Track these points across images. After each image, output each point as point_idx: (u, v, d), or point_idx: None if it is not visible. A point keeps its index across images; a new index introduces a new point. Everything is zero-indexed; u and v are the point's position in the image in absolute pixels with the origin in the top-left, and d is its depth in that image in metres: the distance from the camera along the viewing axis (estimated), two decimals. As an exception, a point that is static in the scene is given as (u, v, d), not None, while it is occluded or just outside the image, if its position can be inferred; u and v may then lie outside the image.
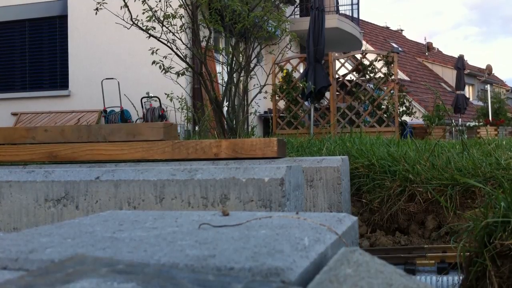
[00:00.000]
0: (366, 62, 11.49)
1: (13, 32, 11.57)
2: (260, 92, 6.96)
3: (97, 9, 6.28)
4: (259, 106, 8.50)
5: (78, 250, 0.99)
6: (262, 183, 2.01)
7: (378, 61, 11.29)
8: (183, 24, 6.62)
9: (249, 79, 7.21)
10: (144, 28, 6.31)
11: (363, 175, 4.33)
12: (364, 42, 21.28)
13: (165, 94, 7.20)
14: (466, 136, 10.12)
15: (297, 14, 14.92)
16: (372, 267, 0.83)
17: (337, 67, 11.50)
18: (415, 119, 17.31)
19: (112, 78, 10.06)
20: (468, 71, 28.65)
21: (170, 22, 6.41)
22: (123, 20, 6.22)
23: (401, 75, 24.71)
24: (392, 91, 10.97)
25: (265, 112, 12.67)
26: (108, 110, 10.13)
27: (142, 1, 6.29)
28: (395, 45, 30.77)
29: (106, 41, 10.35)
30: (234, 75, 6.91)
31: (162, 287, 0.70)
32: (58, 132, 3.63)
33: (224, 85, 6.98)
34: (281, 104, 11.69)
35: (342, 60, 11.85)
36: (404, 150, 4.56)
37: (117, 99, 10.04)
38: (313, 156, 4.61)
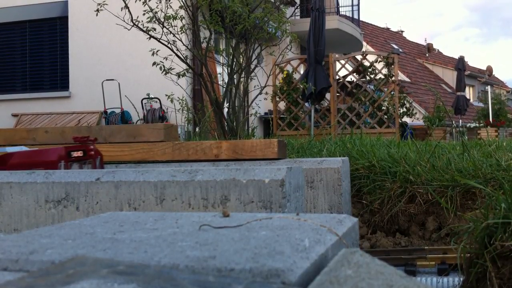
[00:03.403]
0: (367, 63, 11.49)
1: (14, 33, 11.57)
2: (260, 93, 6.96)
3: (97, 10, 6.29)
4: (259, 107, 8.50)
5: (79, 251, 0.99)
6: (262, 184, 2.01)
7: (379, 62, 11.29)
8: (184, 25, 6.63)
9: (249, 80, 7.21)
10: (144, 29, 6.31)
11: (363, 176, 4.33)
12: (364, 43, 21.29)
13: (166, 95, 7.20)
14: (466, 137, 10.12)
15: (298, 15, 14.92)
16: (372, 268, 0.83)
17: (337, 68, 11.50)
18: (416, 120, 17.30)
19: (113, 79, 10.06)
20: (469, 72, 28.66)
21: (171, 23, 6.42)
22: (124, 21, 6.22)
23: (402, 76, 24.71)
24: (392, 92, 10.97)
25: (266, 113, 12.67)
26: (109, 111, 10.13)
27: (142, 2, 6.29)
28: (395, 46, 30.78)
29: (107, 42, 10.35)
30: (235, 76, 6.91)
31: (163, 288, 0.70)
32: (58, 133, 3.63)
33: (225, 86, 6.98)
34: (282, 105, 11.69)
35: (343, 61, 11.85)
36: (405, 151, 4.56)
37: (117, 100, 10.04)
38: (313, 157, 4.61)
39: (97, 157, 3.19)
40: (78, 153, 3.07)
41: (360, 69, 11.54)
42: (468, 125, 19.54)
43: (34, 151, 3.24)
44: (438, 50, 38.22)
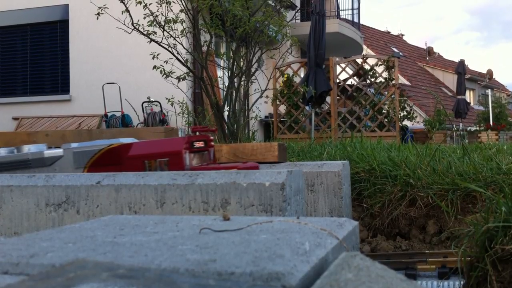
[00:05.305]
0: (367, 67, 11.50)
1: (15, 37, 11.59)
2: (261, 96, 6.97)
3: (98, 14, 6.30)
4: (260, 110, 8.49)
5: (79, 255, 0.99)
6: (263, 187, 2.01)
7: (379, 66, 11.30)
8: (184, 29, 6.63)
9: (250, 83, 7.22)
10: (145, 32, 6.32)
11: (364, 180, 4.33)
12: (364, 47, 21.28)
13: (166, 98, 7.20)
14: (467, 140, 10.12)
15: (298, 19, 14.93)
16: (373, 272, 0.83)
17: (338, 72, 11.51)
18: (416, 124, 17.30)
19: (113, 83, 10.07)
20: (469, 75, 28.65)
21: (171, 27, 6.42)
22: (124, 24, 6.23)
23: (402, 80, 24.71)
24: (393, 96, 10.97)
25: (266, 116, 12.67)
26: (109, 114, 10.13)
27: (143, 6, 6.30)
28: (395, 50, 30.78)
29: (107, 46, 10.36)
30: (235, 79, 6.92)
31: (163, 291, 0.70)
32: (59, 137, 3.63)
33: (225, 89, 6.98)
34: (282, 108, 11.69)
35: (343, 65, 11.86)
36: (405, 154, 4.56)
37: (118, 104, 10.05)
38: (314, 160, 4.61)
39: (212, 148, 3.10)
40: (200, 144, 2.95)
41: (360, 72, 11.55)
42: (468, 128, 19.53)
43: (155, 141, 3.08)
44: (438, 53, 38.21)
